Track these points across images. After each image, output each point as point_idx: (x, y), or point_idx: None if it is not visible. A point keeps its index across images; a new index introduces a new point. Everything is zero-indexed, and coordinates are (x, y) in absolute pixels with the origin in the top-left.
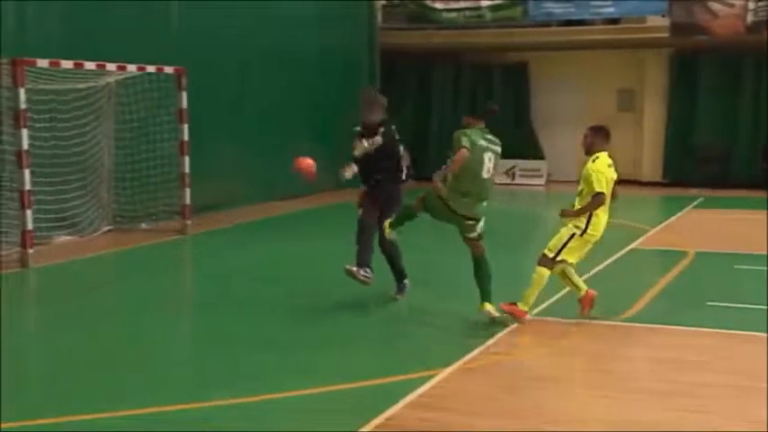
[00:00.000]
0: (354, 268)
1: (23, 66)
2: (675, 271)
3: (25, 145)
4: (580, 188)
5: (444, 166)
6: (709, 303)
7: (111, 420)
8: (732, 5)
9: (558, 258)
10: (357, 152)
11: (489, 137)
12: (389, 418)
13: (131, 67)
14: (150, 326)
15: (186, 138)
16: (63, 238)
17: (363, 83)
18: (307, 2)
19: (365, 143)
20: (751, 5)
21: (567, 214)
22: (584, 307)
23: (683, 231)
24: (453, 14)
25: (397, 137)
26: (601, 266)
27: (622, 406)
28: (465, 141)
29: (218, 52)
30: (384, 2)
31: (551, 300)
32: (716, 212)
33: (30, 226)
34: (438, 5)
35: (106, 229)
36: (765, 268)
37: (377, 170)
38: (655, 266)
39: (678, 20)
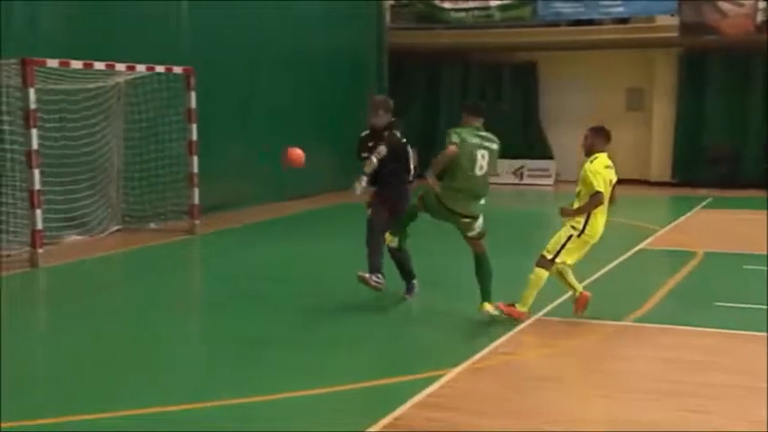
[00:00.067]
0: (367, 275)
1: (33, 66)
2: (684, 271)
3: (35, 145)
4: (578, 189)
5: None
6: (717, 304)
7: (112, 420)
8: (742, 5)
9: (557, 260)
10: (367, 169)
11: (484, 134)
12: (398, 417)
13: (140, 67)
14: (157, 326)
15: (195, 138)
16: (72, 238)
17: (372, 83)
18: (315, 2)
19: (373, 159)
20: (761, 5)
21: (566, 213)
22: (578, 308)
23: (692, 232)
24: (462, 14)
25: (404, 139)
26: (609, 266)
27: (629, 406)
28: (454, 138)
29: (227, 52)
30: (392, 2)
31: (560, 300)
32: (725, 213)
33: (39, 225)
34: (447, 5)
35: (115, 228)
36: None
37: (385, 172)
38: (663, 267)
39: (687, 19)
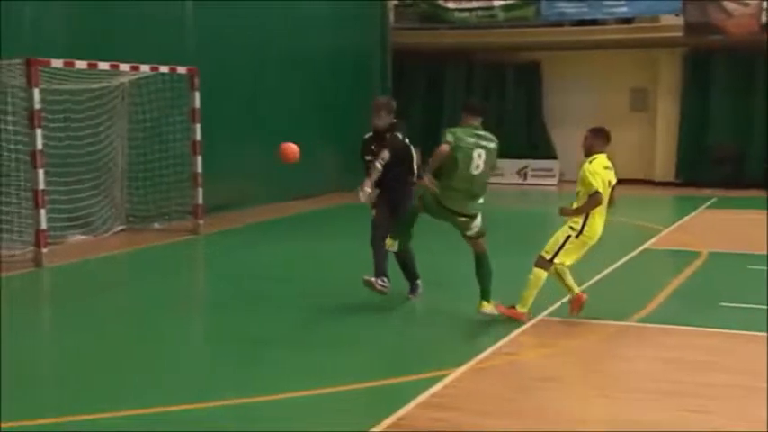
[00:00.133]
0: (372, 279)
1: (38, 66)
2: (688, 271)
3: (39, 145)
4: (577, 189)
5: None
6: (721, 304)
7: (113, 420)
8: (747, 5)
9: (556, 260)
10: (371, 177)
11: (481, 133)
12: (401, 417)
13: (145, 68)
14: (161, 325)
15: (199, 138)
16: (76, 238)
17: (376, 83)
18: (319, 2)
19: (378, 166)
20: (766, 5)
21: (565, 213)
22: (573, 309)
23: (697, 232)
24: (465, 14)
25: (407, 140)
26: (613, 266)
27: (631, 407)
28: (448, 137)
29: (231, 53)
30: (396, 2)
31: (563, 300)
32: (729, 213)
33: (44, 225)
34: (450, 5)
35: (119, 228)
36: None
37: (390, 176)
38: (667, 267)
39: (692, 19)
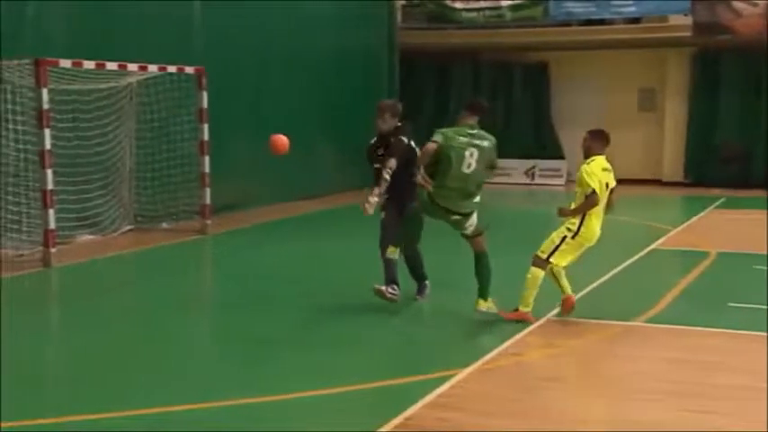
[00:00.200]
0: (382, 287)
1: (46, 66)
2: (696, 272)
3: (48, 145)
4: (576, 190)
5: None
6: (729, 304)
7: (114, 420)
8: (756, 4)
9: (551, 260)
10: (381, 188)
11: (475, 132)
12: (408, 417)
13: (152, 68)
14: (167, 325)
15: (206, 137)
16: (85, 238)
17: (383, 83)
18: (326, 2)
19: (386, 177)
20: None
21: (564, 213)
22: (564, 310)
23: (705, 232)
24: (473, 14)
25: (412, 143)
26: (622, 266)
27: (637, 407)
28: (436, 137)
29: (239, 52)
30: (403, 2)
31: None
32: (738, 213)
33: (52, 225)
34: (458, 5)
35: (127, 228)
36: None
37: (397, 177)
38: (675, 267)
39: (701, 19)
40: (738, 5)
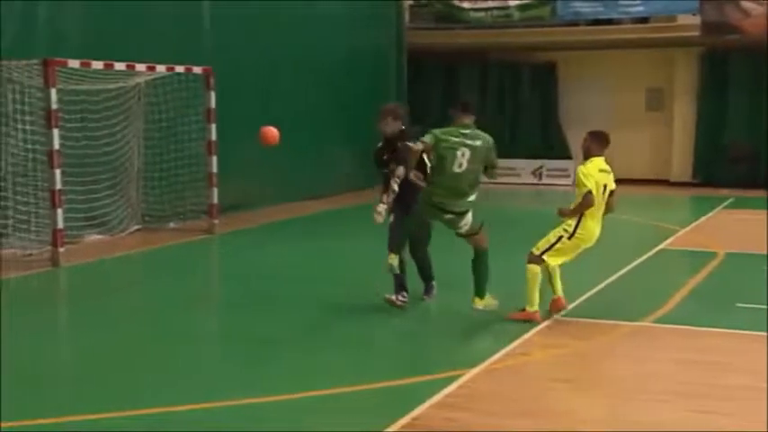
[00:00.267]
0: (393, 297)
1: (55, 66)
2: (704, 272)
3: (56, 145)
4: (576, 192)
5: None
6: (738, 305)
7: (115, 420)
8: (764, 4)
9: (544, 257)
10: (389, 198)
11: (468, 132)
12: (416, 417)
13: (160, 68)
14: (173, 325)
15: (214, 137)
16: (93, 237)
17: (390, 83)
18: (334, 2)
19: (395, 186)
20: None
21: (563, 213)
22: (552, 310)
23: (713, 232)
24: (481, 14)
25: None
26: (630, 266)
27: (644, 408)
28: (426, 137)
29: (247, 52)
30: (411, 2)
31: (577, 301)
32: (747, 213)
33: (60, 225)
34: (466, 5)
35: (135, 228)
36: None
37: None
38: (684, 267)
39: (709, 18)
40: (747, 5)
